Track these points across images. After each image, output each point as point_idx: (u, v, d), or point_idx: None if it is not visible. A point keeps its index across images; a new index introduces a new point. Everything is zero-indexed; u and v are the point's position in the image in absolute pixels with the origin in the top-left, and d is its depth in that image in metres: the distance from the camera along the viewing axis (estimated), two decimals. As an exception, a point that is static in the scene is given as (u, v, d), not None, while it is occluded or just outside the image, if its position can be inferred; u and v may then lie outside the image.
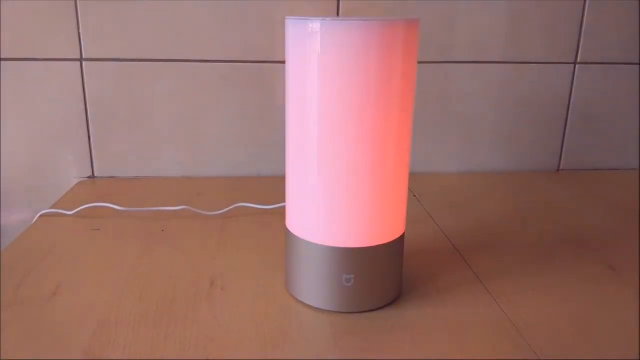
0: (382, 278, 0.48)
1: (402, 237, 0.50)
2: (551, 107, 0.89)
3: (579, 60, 0.87)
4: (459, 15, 0.83)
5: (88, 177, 0.83)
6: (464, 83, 0.86)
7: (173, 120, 0.82)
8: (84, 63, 0.79)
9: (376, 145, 0.44)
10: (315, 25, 0.42)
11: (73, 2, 0.76)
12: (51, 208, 0.70)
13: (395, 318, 0.48)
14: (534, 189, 0.82)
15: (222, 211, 0.69)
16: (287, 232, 0.50)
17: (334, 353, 0.43)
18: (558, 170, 0.92)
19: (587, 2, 0.84)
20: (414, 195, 0.78)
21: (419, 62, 0.83)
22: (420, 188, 0.81)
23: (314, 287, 0.48)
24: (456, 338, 0.45)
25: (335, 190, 0.45)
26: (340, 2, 0.80)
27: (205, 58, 0.80)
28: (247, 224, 0.67)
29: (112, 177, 0.84)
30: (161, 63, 0.80)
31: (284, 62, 0.46)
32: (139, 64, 0.80)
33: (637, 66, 0.89)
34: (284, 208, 0.51)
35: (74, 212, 0.68)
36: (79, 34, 0.78)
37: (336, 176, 0.45)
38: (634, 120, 0.91)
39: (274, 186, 0.79)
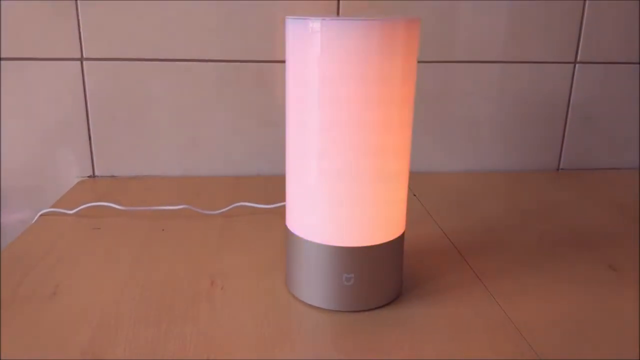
0: (382, 277, 0.48)
1: (402, 237, 0.50)
2: (551, 107, 0.89)
3: (578, 59, 0.87)
4: (459, 14, 0.83)
5: (88, 177, 0.83)
6: (464, 82, 0.86)
7: (173, 120, 0.82)
8: (84, 62, 0.79)
9: (376, 144, 0.44)
10: (315, 24, 0.42)
11: (73, 1, 0.76)
12: (51, 207, 0.70)
13: (395, 318, 0.48)
14: (534, 189, 0.82)
15: (222, 210, 0.69)
16: (287, 232, 0.50)
17: (334, 353, 0.43)
18: (558, 169, 0.92)
19: (587, 1, 0.84)
20: (414, 195, 0.78)
21: (419, 62, 0.83)
22: (420, 187, 0.81)
23: (314, 287, 0.48)
24: (456, 338, 0.45)
25: (335, 190, 0.45)
26: (340, 1, 0.80)
27: (205, 58, 0.80)
28: (247, 224, 0.67)
29: (113, 176, 0.84)
30: (161, 62, 0.80)
31: (284, 62, 0.46)
32: (139, 63, 0.80)
33: (637, 65, 0.89)
34: (284, 207, 0.51)
35: (74, 211, 0.68)
36: (79, 33, 0.78)
37: (336, 175, 0.45)
38: (634, 120, 0.91)
39: (274, 185, 0.79)
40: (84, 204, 0.69)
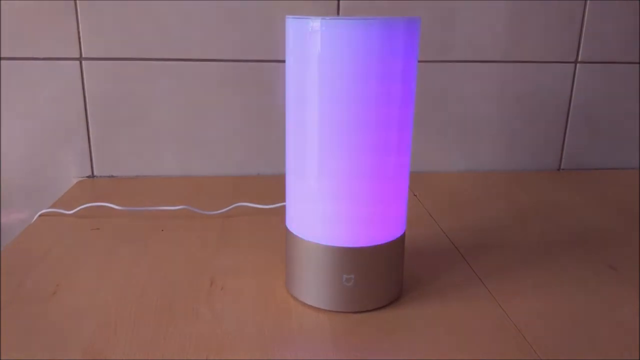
0: (382, 278, 0.48)
1: (402, 237, 0.50)
2: (552, 107, 0.89)
3: (579, 59, 0.87)
4: (459, 14, 0.83)
5: (87, 177, 0.83)
6: (464, 82, 0.86)
7: (173, 120, 0.82)
8: (83, 62, 0.79)
9: (376, 144, 0.44)
10: (315, 24, 0.42)
11: (73, 1, 0.76)
12: (51, 207, 0.70)
13: (395, 318, 0.47)
14: (534, 189, 0.82)
15: (222, 211, 0.69)
16: (287, 232, 0.50)
17: (334, 353, 0.43)
18: (558, 169, 0.92)
19: (588, 1, 0.84)
20: (414, 195, 0.78)
21: (419, 61, 0.83)
22: (421, 188, 0.81)
23: (314, 287, 0.48)
24: (456, 338, 0.45)
25: (335, 190, 0.45)
26: (340, 1, 0.80)
27: (205, 57, 0.80)
28: (247, 224, 0.67)
29: (112, 176, 0.84)
30: (161, 62, 0.80)
31: (284, 61, 0.46)
32: (138, 63, 0.80)
33: (638, 65, 0.89)
34: (284, 208, 0.51)
35: (73, 211, 0.68)
36: (78, 33, 0.78)
37: (336, 176, 0.45)
38: (634, 120, 0.91)
39: (274, 185, 0.79)
40: (83, 204, 0.69)
